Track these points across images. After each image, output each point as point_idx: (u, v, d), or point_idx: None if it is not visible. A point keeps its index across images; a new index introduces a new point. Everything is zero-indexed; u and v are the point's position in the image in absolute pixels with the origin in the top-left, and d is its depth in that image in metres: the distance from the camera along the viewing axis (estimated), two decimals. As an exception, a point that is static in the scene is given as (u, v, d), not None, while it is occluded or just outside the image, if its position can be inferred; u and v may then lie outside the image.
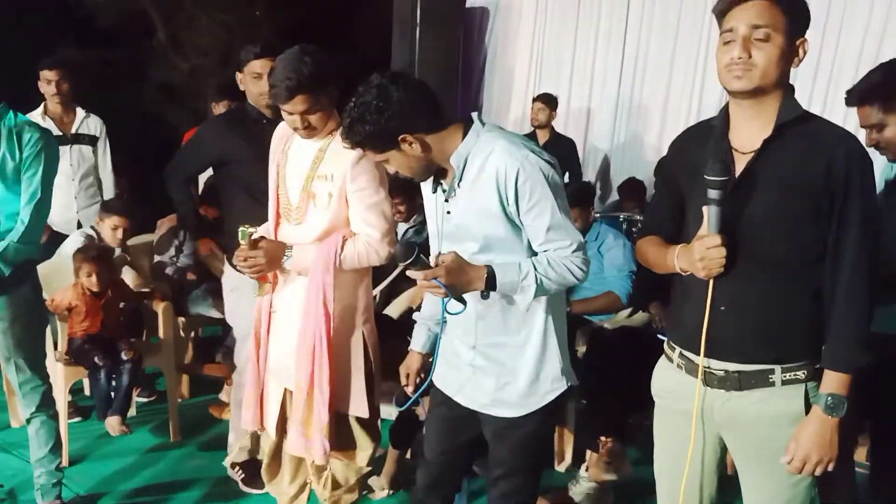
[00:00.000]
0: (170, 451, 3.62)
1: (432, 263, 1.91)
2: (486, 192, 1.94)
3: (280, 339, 2.57)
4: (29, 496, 3.06)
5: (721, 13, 1.72)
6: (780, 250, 1.73)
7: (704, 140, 1.84)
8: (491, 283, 1.91)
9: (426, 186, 2.12)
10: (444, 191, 2.04)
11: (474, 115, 2.02)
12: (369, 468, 2.63)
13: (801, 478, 1.78)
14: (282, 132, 2.59)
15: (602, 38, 6.26)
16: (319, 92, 2.36)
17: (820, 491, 1.85)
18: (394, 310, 3.60)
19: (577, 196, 3.52)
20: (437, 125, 1.96)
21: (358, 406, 2.53)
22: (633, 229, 4.56)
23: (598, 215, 4.31)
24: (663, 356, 1.98)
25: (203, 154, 3.21)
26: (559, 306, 2.10)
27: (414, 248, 1.89)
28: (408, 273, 1.99)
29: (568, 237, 1.96)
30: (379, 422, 2.70)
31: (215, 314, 4.15)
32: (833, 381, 1.71)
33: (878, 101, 2.28)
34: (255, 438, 3.01)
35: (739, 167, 1.75)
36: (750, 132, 1.75)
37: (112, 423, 3.31)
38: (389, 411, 3.06)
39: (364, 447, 2.59)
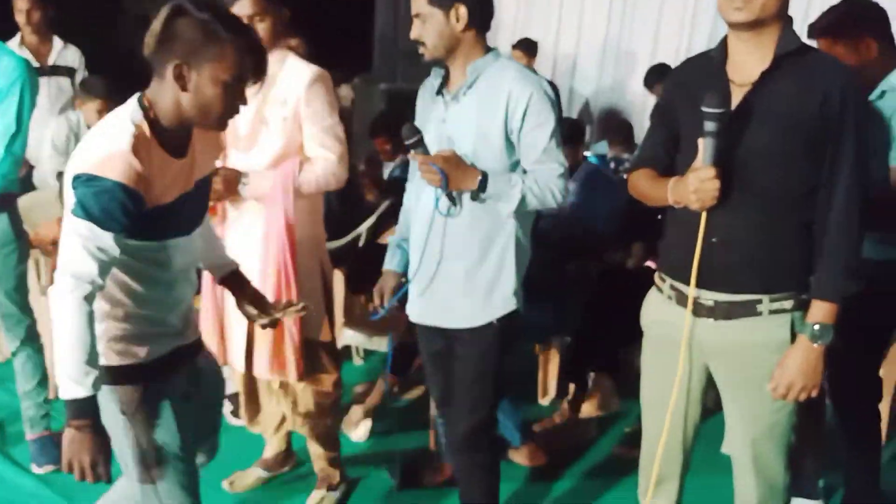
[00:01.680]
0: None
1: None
2: (492, 106, 2.05)
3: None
4: (18, 428, 3.07)
5: None
6: (774, 182, 1.75)
7: (702, 72, 1.85)
8: (482, 186, 2.02)
9: (425, 92, 2.25)
10: (444, 98, 2.15)
11: None
12: (338, 392, 2.67)
13: (783, 404, 1.84)
14: None
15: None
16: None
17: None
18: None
19: (568, 134, 3.52)
20: (482, 26, 2.10)
21: (322, 330, 2.55)
22: (621, 168, 4.58)
23: (587, 153, 4.31)
24: (653, 288, 2.01)
25: None
26: (524, 231, 2.19)
27: (417, 129, 2.04)
28: (409, 156, 2.10)
29: (557, 162, 2.09)
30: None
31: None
32: (820, 311, 1.75)
33: (829, 36, 2.29)
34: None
35: (736, 99, 1.75)
36: (748, 64, 1.76)
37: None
38: (359, 340, 3.08)
39: (329, 372, 2.62)
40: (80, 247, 1.60)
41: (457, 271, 2.18)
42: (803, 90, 1.70)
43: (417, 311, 2.30)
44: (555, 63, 6.36)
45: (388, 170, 4.78)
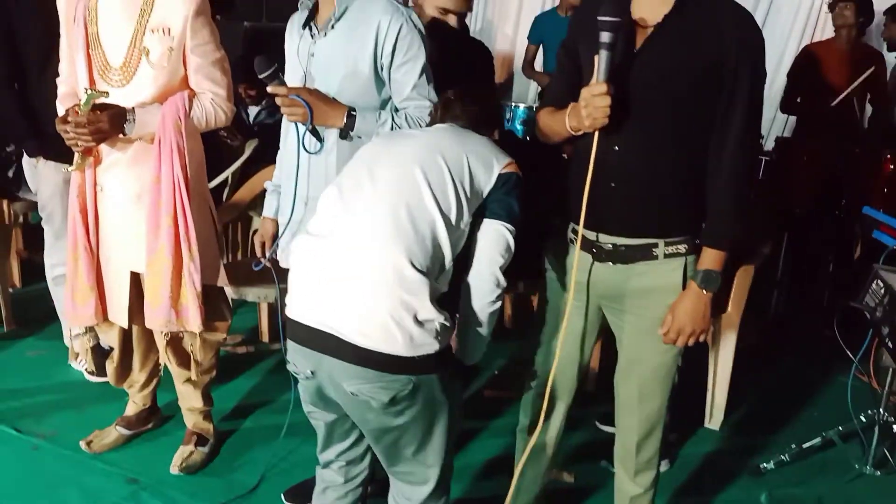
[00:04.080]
0: (5, 342, 3.40)
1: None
2: (361, 38, 2.01)
3: (116, 219, 2.36)
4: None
5: None
6: (669, 125, 1.76)
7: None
8: (350, 123, 1.98)
9: (293, 28, 2.17)
10: (313, 31, 2.09)
11: None
12: (224, 338, 2.59)
13: (670, 346, 1.89)
14: None
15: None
16: None
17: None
18: (246, 192, 3.48)
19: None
20: None
21: (216, 275, 2.44)
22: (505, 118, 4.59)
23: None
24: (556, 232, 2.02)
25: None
26: None
27: (272, 61, 1.94)
28: (269, 89, 1.99)
29: (427, 99, 2.07)
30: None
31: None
32: (710, 258, 1.80)
33: None
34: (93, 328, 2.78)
35: (640, 41, 1.75)
36: (652, 6, 1.75)
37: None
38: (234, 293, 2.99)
39: (225, 319, 2.53)
40: None
41: None
42: (702, 35, 1.72)
43: (289, 257, 2.24)
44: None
45: (252, 113, 4.61)
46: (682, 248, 1.84)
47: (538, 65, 5.24)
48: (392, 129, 2.00)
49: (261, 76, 1.95)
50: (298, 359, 1.77)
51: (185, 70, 2.28)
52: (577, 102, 1.72)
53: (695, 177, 1.80)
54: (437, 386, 1.75)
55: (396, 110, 2.09)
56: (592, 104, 1.66)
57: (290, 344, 1.77)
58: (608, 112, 1.66)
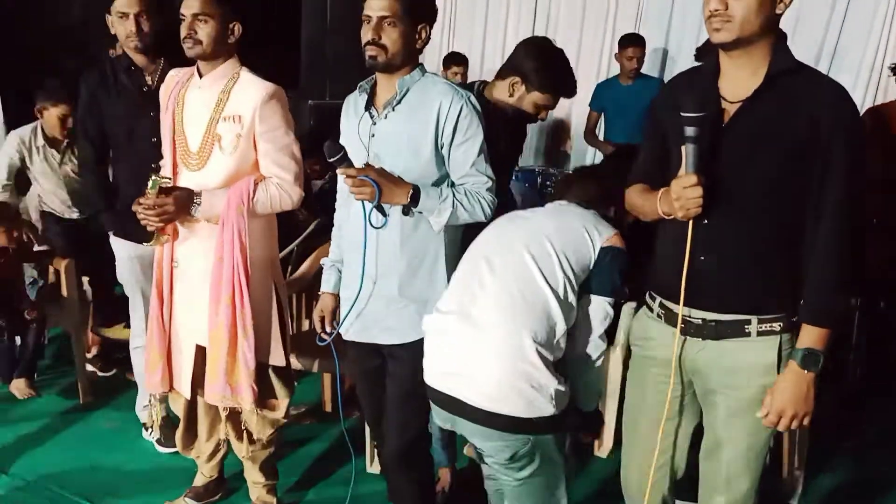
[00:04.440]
0: (80, 414, 3.49)
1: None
2: (422, 120, 2.09)
3: (187, 293, 2.48)
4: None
5: None
6: (761, 201, 1.73)
7: (693, 87, 1.81)
8: (414, 200, 2.03)
9: (349, 108, 2.25)
10: (372, 114, 2.16)
11: None
12: (285, 420, 2.62)
13: (763, 428, 1.81)
14: (175, 79, 2.49)
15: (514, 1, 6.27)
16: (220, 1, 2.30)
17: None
18: (310, 266, 3.55)
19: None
20: (420, 48, 2.14)
21: (275, 354, 2.50)
22: (548, 183, 4.64)
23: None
24: (643, 307, 1.99)
25: (90, 136, 3.00)
26: (453, 244, 2.22)
27: (341, 146, 2.01)
28: (338, 171, 2.07)
29: (485, 175, 2.14)
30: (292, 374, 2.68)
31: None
32: (810, 336, 1.72)
33: None
34: (165, 398, 2.89)
35: (728, 116, 1.74)
36: (740, 81, 1.73)
37: (19, 386, 3.18)
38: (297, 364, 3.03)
39: (281, 397, 2.56)
40: None
41: (390, 287, 2.17)
42: (793, 109, 1.68)
43: (353, 329, 2.28)
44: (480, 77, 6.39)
45: (315, 188, 4.74)
46: (776, 325, 1.77)
47: (599, 132, 5.28)
48: (453, 204, 2.06)
49: (330, 160, 2.02)
50: (439, 415, 2.09)
51: (256, 155, 2.38)
52: (669, 188, 1.73)
53: (787, 252, 1.75)
54: (553, 446, 2.02)
55: (453, 185, 2.14)
56: (684, 196, 1.68)
57: (431, 403, 2.10)
58: (700, 203, 1.68)
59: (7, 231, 3.30)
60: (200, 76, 2.39)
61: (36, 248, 3.59)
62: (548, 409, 1.93)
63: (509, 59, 2.49)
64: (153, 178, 2.30)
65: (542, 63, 2.42)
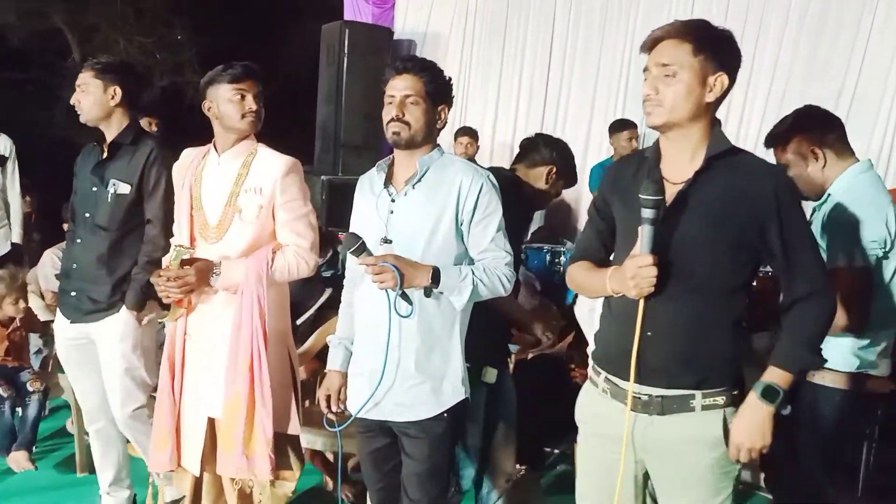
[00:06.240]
0: (77, 488, 3.41)
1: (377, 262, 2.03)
2: (443, 196, 2.13)
3: (200, 364, 2.47)
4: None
5: (647, 51, 1.81)
6: (706, 277, 1.77)
7: (637, 168, 1.89)
8: (436, 280, 2.03)
9: (363, 186, 2.26)
10: (390, 192, 2.18)
11: None
12: (293, 492, 2.55)
13: (719, 500, 1.82)
14: (190, 157, 2.56)
15: (526, 72, 6.42)
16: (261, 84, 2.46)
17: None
18: (318, 340, 3.52)
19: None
20: (439, 129, 2.24)
21: (292, 424, 2.48)
22: (557, 260, 4.64)
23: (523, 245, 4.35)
24: (588, 381, 2.00)
25: None
26: (467, 318, 2.20)
27: (358, 237, 2.04)
28: (357, 262, 2.08)
29: (504, 250, 2.16)
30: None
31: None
32: (774, 374, 1.77)
33: (779, 146, 2.42)
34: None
35: (670, 196, 1.79)
36: (679, 164, 1.81)
37: (17, 459, 3.12)
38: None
39: (295, 468, 2.52)
40: None
41: (407, 363, 2.14)
42: (735, 190, 1.75)
43: (365, 407, 2.22)
44: (492, 153, 6.50)
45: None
46: (720, 399, 1.80)
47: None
48: (473, 282, 2.07)
49: (349, 251, 2.03)
50: None
51: (274, 224, 2.43)
52: (619, 267, 1.79)
53: (731, 327, 1.79)
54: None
55: (472, 261, 2.15)
56: (639, 275, 1.73)
57: None
58: (654, 281, 1.72)
59: (15, 301, 3.31)
60: (218, 153, 2.46)
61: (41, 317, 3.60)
62: None
63: (538, 152, 2.84)
64: (176, 248, 2.32)
65: (570, 162, 2.89)
